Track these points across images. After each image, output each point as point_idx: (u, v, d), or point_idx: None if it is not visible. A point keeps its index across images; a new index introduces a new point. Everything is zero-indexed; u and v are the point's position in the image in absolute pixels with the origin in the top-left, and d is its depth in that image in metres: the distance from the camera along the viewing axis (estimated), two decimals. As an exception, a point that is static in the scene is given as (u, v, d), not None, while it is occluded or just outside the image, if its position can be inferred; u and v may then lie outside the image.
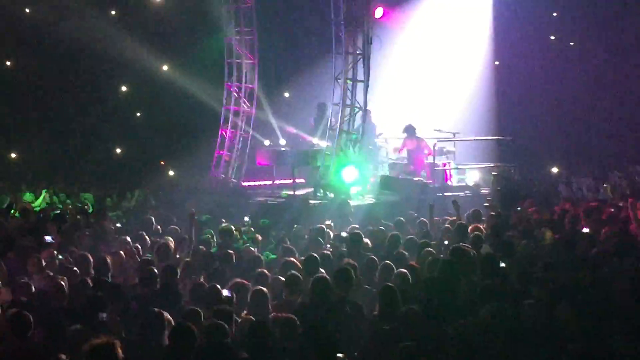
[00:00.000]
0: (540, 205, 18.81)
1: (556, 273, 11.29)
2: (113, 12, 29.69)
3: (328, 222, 17.09)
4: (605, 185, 24.10)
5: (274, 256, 14.39)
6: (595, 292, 10.28)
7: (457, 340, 8.78)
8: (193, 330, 8.69)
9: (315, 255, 12.43)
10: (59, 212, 18.84)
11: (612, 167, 28.68)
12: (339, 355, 8.38)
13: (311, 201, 20.84)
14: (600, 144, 33.86)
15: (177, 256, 13.77)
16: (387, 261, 12.30)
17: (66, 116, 29.66)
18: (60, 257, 13.52)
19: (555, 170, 29.33)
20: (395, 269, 11.82)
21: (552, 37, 35.44)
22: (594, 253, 13.10)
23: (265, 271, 12.02)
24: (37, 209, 20.48)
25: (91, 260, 12.86)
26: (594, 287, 10.50)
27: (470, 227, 15.14)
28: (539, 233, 14.99)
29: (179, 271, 11.94)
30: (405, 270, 11.45)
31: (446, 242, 14.38)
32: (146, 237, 15.56)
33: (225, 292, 10.65)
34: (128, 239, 15.21)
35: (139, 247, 14.70)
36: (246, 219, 18.27)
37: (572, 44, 35.46)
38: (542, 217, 16.91)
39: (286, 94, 30.82)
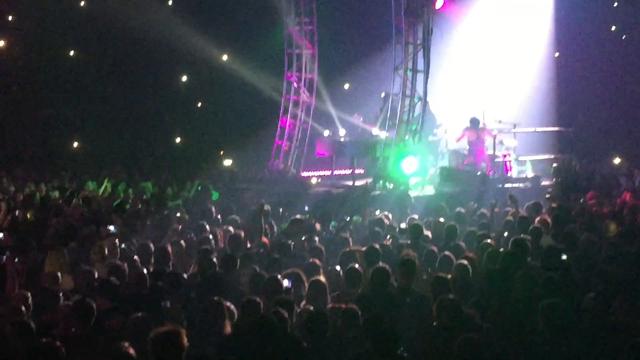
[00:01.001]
0: (602, 197, 18.62)
1: (618, 266, 11.17)
2: (170, 2, 29.88)
3: (386, 214, 17.10)
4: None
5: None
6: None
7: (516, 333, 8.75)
8: (275, 323, 8.72)
9: (376, 246, 12.41)
10: (120, 201, 19.04)
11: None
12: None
13: (371, 192, 20.80)
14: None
15: (249, 246, 13.84)
16: (447, 252, 12.24)
17: (126, 106, 29.96)
18: (122, 246, 13.67)
19: (616, 161, 28.97)
20: (454, 260, 11.76)
21: (613, 28, 34.98)
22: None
23: (317, 261, 12.00)
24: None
25: (152, 249, 12.99)
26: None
27: (536, 219, 15.04)
28: (601, 225, 14.83)
29: (238, 261, 12.00)
30: (465, 262, 11.38)
31: (506, 234, 14.27)
32: (207, 226, 15.64)
33: (285, 283, 10.68)
34: (189, 228, 15.34)
35: (204, 236, 14.77)
36: (306, 208, 18.31)
37: (623, 37, 34.99)
38: (603, 209, 16.75)
39: (346, 85, 30.81)
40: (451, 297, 9.47)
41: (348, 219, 16.86)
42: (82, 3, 28.92)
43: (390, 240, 14.34)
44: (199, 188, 23.02)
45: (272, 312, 9.21)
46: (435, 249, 12.71)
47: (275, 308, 9.37)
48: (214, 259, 11.95)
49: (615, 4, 34.24)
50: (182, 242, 13.90)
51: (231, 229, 15.06)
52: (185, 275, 11.71)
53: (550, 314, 8.88)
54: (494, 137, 23.36)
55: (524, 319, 9.29)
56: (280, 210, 18.41)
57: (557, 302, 9.05)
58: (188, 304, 10.44)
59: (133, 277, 11.20)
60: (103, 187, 22.56)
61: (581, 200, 17.55)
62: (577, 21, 32.13)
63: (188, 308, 10.25)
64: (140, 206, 18.27)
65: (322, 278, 10.92)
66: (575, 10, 31.75)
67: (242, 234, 14.31)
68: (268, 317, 8.92)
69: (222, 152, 29.42)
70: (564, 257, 11.62)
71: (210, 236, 14.51)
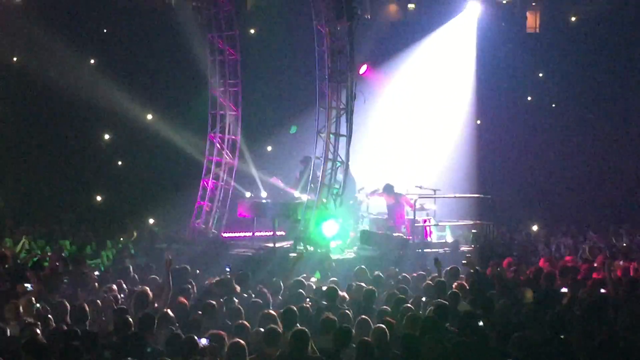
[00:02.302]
0: (519, 264, 18.86)
1: (533, 332, 11.30)
2: (92, 61, 29.83)
3: (309, 276, 17.14)
4: (584, 246, 24.20)
5: None
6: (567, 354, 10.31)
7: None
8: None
9: (294, 308, 12.41)
10: (37, 259, 18.78)
11: (591, 228, 28.83)
12: None
13: (291, 254, 20.81)
14: (580, 204, 34.05)
15: (156, 305, 13.70)
16: (364, 316, 12.27)
17: (47, 163, 29.65)
18: (37, 305, 13.46)
19: (534, 229, 29.44)
20: (372, 324, 11.80)
21: (529, 98, 35.79)
22: (568, 313, 13.15)
23: (245, 323, 11.97)
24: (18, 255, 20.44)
25: (68, 307, 12.81)
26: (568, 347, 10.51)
27: (454, 284, 15.19)
28: (518, 292, 15.00)
29: (155, 321, 11.89)
30: (383, 326, 11.42)
31: (424, 299, 14.38)
32: (124, 285, 15.48)
33: (203, 342, 10.62)
34: (110, 286, 15.17)
35: (118, 295, 14.62)
36: (227, 269, 18.25)
37: (553, 105, 35.81)
38: (520, 276, 16.96)
39: (269, 148, 30.94)
40: None
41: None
42: (15, 59, 28.74)
43: (311, 303, 14.34)
44: (119, 247, 22.84)
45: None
46: (349, 312, 12.77)
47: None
48: (130, 319, 11.80)
49: (540, 74, 35.06)
50: (98, 301, 13.73)
51: (146, 288, 14.90)
52: (100, 335, 11.55)
53: None
54: (412, 205, 23.55)
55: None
56: (197, 271, 18.28)
57: None
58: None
59: (47, 337, 11.02)
60: (21, 244, 22.21)
61: (497, 268, 17.70)
62: (497, 90, 32.85)
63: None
64: (58, 264, 18.03)
65: (241, 340, 10.86)
66: (496, 81, 32.46)
67: (150, 293, 14.15)
68: None
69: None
70: (481, 323, 11.73)
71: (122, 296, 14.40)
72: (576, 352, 10.37)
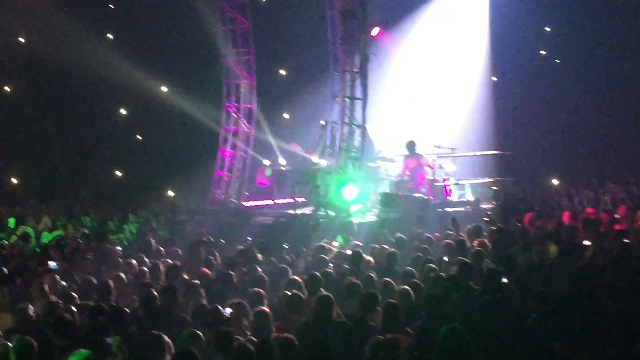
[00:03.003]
0: (541, 219, 18.82)
1: (556, 287, 11.28)
2: (110, 36, 29.81)
3: (331, 241, 17.18)
4: (605, 198, 24.11)
5: None
6: (592, 306, 10.27)
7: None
8: (195, 355, 8.67)
9: (317, 273, 12.45)
10: (60, 236, 18.87)
11: (610, 179, 28.71)
12: None
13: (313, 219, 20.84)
14: (599, 156, 33.94)
15: (186, 277, 13.77)
16: (387, 278, 12.30)
17: (65, 140, 29.74)
18: (63, 282, 13.55)
19: (555, 183, 29.34)
20: (396, 286, 11.83)
21: (543, 52, 35.56)
22: (591, 266, 13.13)
23: (262, 291, 11.99)
24: (45, 238, 20.54)
25: (93, 284, 12.89)
26: (590, 301, 10.47)
27: (475, 242, 15.19)
28: (542, 247, 14.95)
29: (179, 293, 11.95)
30: (407, 288, 11.44)
31: (446, 259, 14.37)
32: (146, 259, 15.56)
33: (227, 311, 10.66)
34: (133, 261, 15.24)
35: (143, 269, 14.67)
36: (249, 238, 18.30)
37: (558, 61, 35.58)
38: (543, 231, 16.91)
39: (285, 115, 30.91)
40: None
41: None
42: (21, 39, 28.69)
43: (334, 268, 14.38)
44: (140, 221, 22.92)
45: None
46: (374, 275, 12.79)
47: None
48: (154, 292, 11.85)
49: (547, 29, 34.78)
50: (124, 275, 13.80)
51: (170, 261, 14.98)
52: (127, 310, 11.61)
53: (449, 339, 8.82)
54: (432, 167, 23.54)
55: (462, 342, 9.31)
56: (225, 243, 18.34)
57: (458, 327, 9.03)
58: (130, 339, 10.33)
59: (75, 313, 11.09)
60: (42, 222, 22.32)
61: (519, 224, 17.65)
62: (513, 46, 32.63)
63: (130, 343, 10.14)
64: (80, 241, 18.12)
65: (265, 308, 10.91)
66: (510, 36, 32.22)
67: (180, 265, 14.25)
68: (184, 351, 8.87)
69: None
70: (504, 280, 11.71)
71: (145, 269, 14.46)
72: (600, 305, 10.31)
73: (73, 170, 29.90)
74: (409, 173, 23.88)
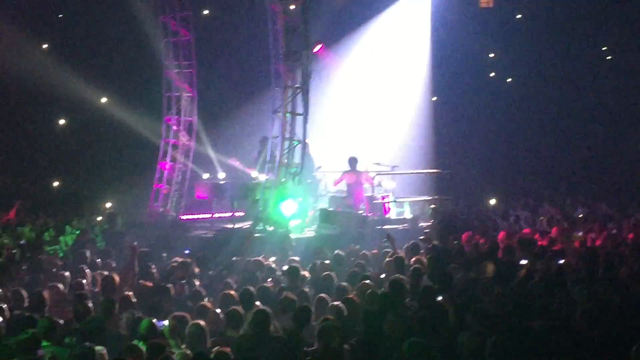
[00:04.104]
0: (477, 237, 19.00)
1: (491, 305, 11.38)
2: (47, 45, 29.51)
3: (269, 256, 17.18)
4: (541, 218, 24.40)
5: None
6: (527, 325, 10.40)
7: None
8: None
9: (251, 288, 12.48)
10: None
11: (547, 200, 29.08)
12: None
13: (251, 234, 20.83)
14: (536, 177, 34.38)
15: (122, 289, 13.68)
16: (322, 294, 12.34)
17: (3, 149, 29.37)
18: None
19: (492, 202, 29.63)
20: (329, 302, 11.88)
21: (492, 74, 35.97)
22: (529, 285, 13.28)
23: (207, 304, 12.00)
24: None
25: (25, 295, 12.73)
26: (526, 319, 10.60)
27: (412, 260, 15.28)
28: (478, 266, 15.07)
29: (116, 305, 11.88)
30: (340, 304, 11.49)
31: (383, 276, 14.45)
32: (86, 270, 15.44)
33: (163, 324, 10.63)
34: (67, 273, 15.09)
35: (79, 280, 14.54)
36: (187, 252, 18.24)
37: (509, 80, 36.02)
38: (479, 250, 17.07)
39: (225, 128, 30.87)
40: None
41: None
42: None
43: (272, 283, 14.40)
44: (77, 232, 22.70)
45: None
46: (307, 290, 12.86)
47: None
48: (90, 304, 11.75)
49: (491, 55, 35.19)
50: (60, 286, 13.65)
51: (113, 273, 14.87)
52: (60, 322, 11.49)
53: (413, 352, 9.03)
54: (372, 182, 23.68)
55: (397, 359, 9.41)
56: (164, 254, 18.28)
57: (420, 341, 9.21)
58: (63, 351, 10.24)
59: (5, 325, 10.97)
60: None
61: (455, 242, 17.81)
62: (453, 65, 32.94)
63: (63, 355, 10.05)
64: (15, 251, 17.90)
65: (201, 322, 10.88)
66: (451, 54, 32.56)
67: (117, 277, 14.16)
68: None
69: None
70: (440, 297, 11.81)
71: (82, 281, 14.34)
72: (534, 324, 10.45)
73: (9, 179, 29.53)
74: (344, 188, 23.98)
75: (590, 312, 10.40)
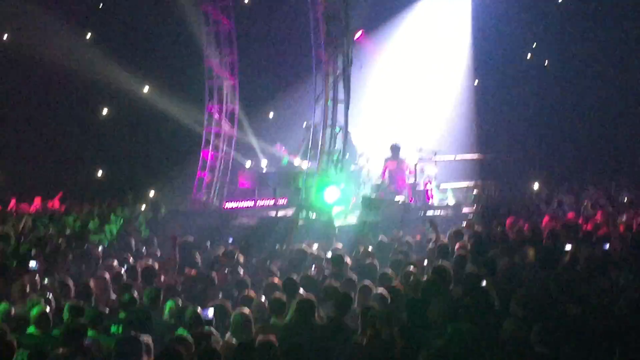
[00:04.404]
0: (521, 222, 18.88)
1: (535, 291, 11.32)
2: (92, 35, 29.69)
3: (312, 243, 17.21)
4: (585, 202, 24.19)
5: None
6: (574, 312, 10.33)
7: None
8: (180, 354, 8.67)
9: (294, 277, 12.50)
10: (41, 236, 18.78)
11: (590, 183, 28.83)
12: None
13: (295, 222, 20.88)
14: (580, 161, 34.06)
15: (163, 278, 13.77)
16: (366, 282, 12.33)
17: (47, 139, 29.60)
18: (45, 281, 13.53)
19: (536, 186, 29.43)
20: (374, 289, 11.86)
21: (529, 56, 35.66)
22: (573, 271, 13.18)
23: (252, 293, 12.04)
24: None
25: (72, 285, 12.85)
26: (572, 306, 10.52)
27: (456, 246, 15.21)
28: (521, 251, 14.98)
29: (162, 294, 11.96)
30: (384, 292, 11.47)
31: (425, 262, 14.41)
32: (130, 259, 15.56)
33: (208, 314, 10.68)
34: (115, 262, 15.22)
35: (123, 269, 14.65)
36: (230, 240, 18.31)
37: (539, 65, 35.73)
38: (524, 235, 16.95)
39: (270, 114, 30.94)
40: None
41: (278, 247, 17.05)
42: (5, 36, 28.56)
43: (316, 270, 14.42)
44: (121, 221, 22.86)
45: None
46: (354, 277, 12.84)
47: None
48: (135, 294, 11.84)
49: (532, 32, 34.88)
50: (106, 276, 13.77)
51: (150, 261, 14.97)
52: (107, 311, 11.60)
53: (456, 337, 9.05)
54: (412, 171, 23.63)
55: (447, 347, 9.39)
56: (208, 243, 18.36)
57: (463, 326, 9.22)
58: (109, 340, 10.32)
59: (54, 314, 11.08)
60: (23, 221, 22.20)
61: (499, 228, 17.69)
62: (495, 49, 32.69)
63: (109, 344, 10.14)
64: (61, 240, 18.06)
65: (246, 310, 10.92)
66: (493, 38, 32.31)
67: (157, 266, 14.24)
68: (171, 350, 8.88)
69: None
70: (484, 283, 11.75)
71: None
72: (578, 311, 10.38)
73: (54, 169, 29.77)
74: (387, 176, 23.95)
75: (634, 298, 10.32)
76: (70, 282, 12.97)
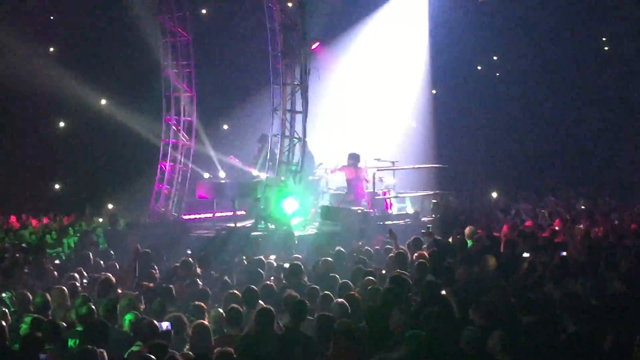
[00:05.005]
0: (480, 231, 18.96)
1: (494, 299, 11.36)
2: (51, 49, 29.54)
3: (271, 254, 17.19)
4: (542, 211, 24.37)
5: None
6: (531, 319, 10.39)
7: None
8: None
9: (254, 287, 12.47)
10: (-3, 250, 18.65)
11: (548, 192, 29.08)
12: None
13: (253, 233, 20.84)
14: (538, 170, 34.35)
15: (119, 291, 13.67)
16: (327, 291, 12.34)
17: (3, 153, 29.37)
18: (3, 295, 13.41)
19: (494, 195, 29.62)
20: (334, 298, 11.86)
21: (483, 66, 35.95)
22: (531, 279, 13.27)
23: (202, 304, 11.99)
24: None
25: (30, 298, 12.73)
26: (529, 313, 10.57)
27: (415, 255, 15.25)
28: (480, 260, 15.04)
29: (118, 306, 11.88)
30: (344, 300, 11.48)
31: (384, 272, 14.43)
32: (84, 273, 15.45)
33: (164, 326, 10.63)
34: (74, 274, 15.09)
35: (80, 282, 14.54)
36: (188, 252, 18.22)
37: (497, 74, 36.00)
38: (482, 244, 17.03)
39: (225, 126, 30.90)
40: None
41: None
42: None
43: (275, 281, 14.38)
44: (80, 233, 22.72)
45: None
46: (317, 287, 12.83)
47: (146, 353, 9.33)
48: (92, 306, 11.74)
49: (489, 48, 35.17)
50: (64, 288, 13.64)
51: (109, 275, 14.86)
52: (64, 324, 11.49)
53: (414, 344, 9.09)
54: (368, 180, 23.65)
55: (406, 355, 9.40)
56: (165, 256, 18.26)
57: (421, 332, 9.26)
58: (66, 354, 10.24)
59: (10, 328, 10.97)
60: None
61: (458, 236, 17.75)
62: (452, 59, 32.91)
63: (65, 358, 10.06)
64: (17, 254, 17.89)
65: (205, 321, 10.89)
66: (450, 48, 32.52)
67: (114, 279, 14.14)
68: None
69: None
70: (443, 292, 11.80)
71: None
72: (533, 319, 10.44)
73: (11, 183, 29.53)
74: (344, 184, 23.99)
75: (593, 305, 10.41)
76: (29, 295, 12.85)
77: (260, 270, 14.92)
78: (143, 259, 16.12)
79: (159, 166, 25.78)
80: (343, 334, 9.88)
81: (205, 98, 26.66)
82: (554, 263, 14.23)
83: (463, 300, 11.32)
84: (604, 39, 35.67)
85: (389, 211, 23.94)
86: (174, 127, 25.65)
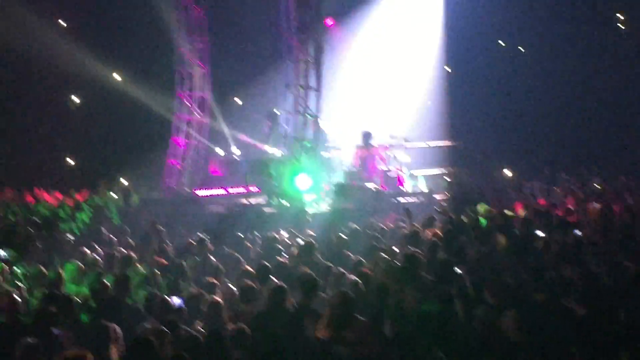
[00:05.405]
0: (493, 209, 18.90)
1: (507, 278, 11.32)
2: (62, 23, 29.48)
3: (284, 231, 17.18)
4: (556, 188, 24.28)
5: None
6: (545, 299, 10.35)
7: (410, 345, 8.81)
8: (152, 344, 8.59)
9: (267, 264, 12.45)
10: (10, 225, 18.65)
11: (562, 170, 28.94)
12: None
13: (265, 209, 20.83)
14: (552, 147, 34.18)
15: (138, 266, 13.69)
16: (340, 268, 12.31)
17: (16, 128, 29.39)
18: (18, 269, 13.43)
19: (507, 173, 29.51)
20: (346, 276, 11.83)
21: (502, 43, 35.72)
22: (545, 258, 13.21)
23: (215, 280, 11.99)
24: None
25: (44, 272, 12.76)
26: (544, 292, 10.54)
27: (428, 233, 15.20)
28: (492, 238, 15.00)
29: (131, 282, 11.88)
30: (356, 278, 11.44)
31: (396, 249, 14.38)
32: (98, 248, 15.46)
33: (177, 302, 10.63)
34: (85, 250, 15.11)
35: (97, 258, 14.56)
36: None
37: (520, 48, 35.80)
38: (495, 222, 16.97)
39: (238, 101, 30.84)
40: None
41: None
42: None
43: (288, 258, 14.36)
44: (93, 209, 22.73)
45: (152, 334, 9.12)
46: (331, 265, 12.79)
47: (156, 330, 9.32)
48: (106, 282, 11.75)
49: (503, 19, 34.92)
50: (80, 263, 13.66)
51: (123, 250, 14.88)
52: (77, 299, 11.51)
53: (425, 320, 9.06)
54: (384, 159, 23.59)
55: (417, 331, 9.37)
56: (178, 232, 18.28)
57: (432, 309, 9.23)
58: (78, 329, 10.25)
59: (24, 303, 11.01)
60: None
61: (471, 214, 17.68)
62: (467, 36, 32.69)
63: (79, 333, 10.07)
64: (30, 229, 17.91)
65: (218, 297, 10.89)
66: (465, 26, 32.31)
67: (133, 254, 14.16)
68: (142, 340, 8.78)
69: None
70: (457, 270, 11.75)
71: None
72: (551, 296, 10.40)
73: (25, 157, 29.56)
74: (360, 162, 23.93)
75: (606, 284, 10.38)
76: (44, 270, 12.88)
77: (274, 247, 14.91)
78: (158, 235, 16.16)
79: (172, 141, 25.76)
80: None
81: (219, 73, 26.59)
82: (569, 242, 14.18)
83: (476, 279, 11.28)
84: (622, 15, 35.38)
85: (402, 188, 23.89)
86: (187, 103, 25.61)
